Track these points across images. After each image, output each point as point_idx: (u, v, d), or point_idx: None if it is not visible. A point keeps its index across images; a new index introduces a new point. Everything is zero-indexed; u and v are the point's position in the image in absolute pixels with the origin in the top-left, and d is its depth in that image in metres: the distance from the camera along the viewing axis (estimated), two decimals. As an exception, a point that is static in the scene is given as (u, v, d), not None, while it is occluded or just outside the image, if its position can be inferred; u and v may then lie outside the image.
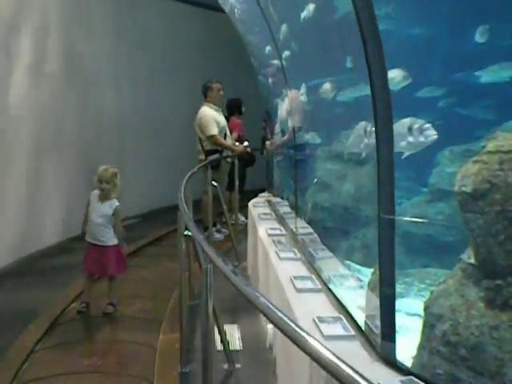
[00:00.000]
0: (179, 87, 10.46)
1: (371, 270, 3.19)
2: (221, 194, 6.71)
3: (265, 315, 1.73)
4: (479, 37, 2.78)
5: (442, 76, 3.07)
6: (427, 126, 2.49)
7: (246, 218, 7.02)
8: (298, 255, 3.97)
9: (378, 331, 2.44)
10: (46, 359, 4.16)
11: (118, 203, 4.93)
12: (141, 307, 5.19)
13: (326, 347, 1.40)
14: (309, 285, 3.26)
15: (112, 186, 4.88)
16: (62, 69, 7.68)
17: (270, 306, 1.72)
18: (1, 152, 6.34)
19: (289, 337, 1.55)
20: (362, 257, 3.38)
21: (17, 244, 6.71)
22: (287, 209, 5.78)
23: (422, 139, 2.48)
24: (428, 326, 2.33)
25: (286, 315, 1.63)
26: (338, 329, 2.59)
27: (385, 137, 2.22)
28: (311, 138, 4.10)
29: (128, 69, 9.36)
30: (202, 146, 7.43)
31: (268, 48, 5.58)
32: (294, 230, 4.70)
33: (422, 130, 2.46)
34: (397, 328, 2.40)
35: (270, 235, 4.70)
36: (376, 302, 2.70)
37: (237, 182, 7.68)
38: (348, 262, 3.50)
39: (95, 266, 4.93)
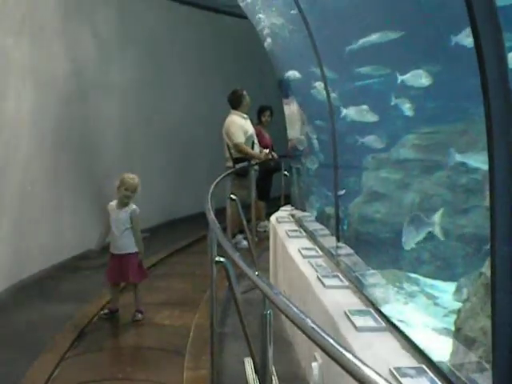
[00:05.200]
0: (191, 92, 10.00)
1: (447, 284, 2.80)
2: (239, 206, 6.27)
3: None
4: None
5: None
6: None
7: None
8: (345, 282, 3.45)
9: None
10: (76, 366, 4.15)
11: (134, 206, 5.01)
12: (169, 314, 5.18)
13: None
14: (370, 322, 2.74)
15: (134, 194, 4.98)
16: (64, 73, 7.14)
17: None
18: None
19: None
20: (433, 269, 2.92)
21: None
22: (317, 225, 5.26)
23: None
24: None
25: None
26: (425, 385, 2.07)
27: (503, 147, 1.71)
28: (357, 142, 3.59)
29: (133, 73, 8.83)
30: (231, 153, 7.50)
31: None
32: (332, 250, 4.18)
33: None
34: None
35: (304, 257, 4.18)
36: (465, 349, 2.20)
37: (253, 193, 7.29)
38: (415, 275, 3.03)
39: (117, 274, 5.03)
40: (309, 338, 1.53)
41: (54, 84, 6.94)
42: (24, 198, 6.22)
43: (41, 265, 6.50)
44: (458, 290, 2.81)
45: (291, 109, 6.26)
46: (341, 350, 1.39)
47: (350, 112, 3.24)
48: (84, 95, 7.63)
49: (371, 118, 3.07)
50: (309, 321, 1.55)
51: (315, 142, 5.04)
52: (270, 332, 1.94)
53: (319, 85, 4.00)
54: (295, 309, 1.62)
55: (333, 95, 3.91)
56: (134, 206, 5.00)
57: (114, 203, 5.02)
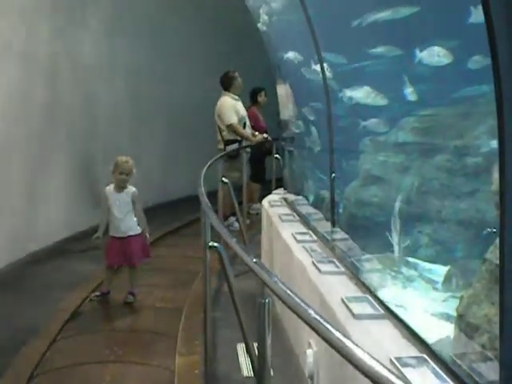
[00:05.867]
0: (181, 75, 9.87)
1: (446, 268, 2.73)
2: (231, 188, 6.26)
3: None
4: None
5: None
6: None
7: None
8: (341, 267, 3.38)
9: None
10: (67, 348, 4.11)
11: (134, 189, 4.97)
12: (161, 297, 5.15)
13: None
14: (368, 309, 2.67)
15: (130, 176, 4.93)
16: (52, 56, 6.96)
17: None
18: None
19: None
20: (433, 254, 2.86)
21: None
22: (310, 209, 5.19)
23: None
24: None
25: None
26: (428, 376, 2.01)
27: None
28: (354, 124, 3.50)
29: (124, 56, 8.68)
30: (222, 135, 7.49)
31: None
32: (327, 235, 4.10)
33: None
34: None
35: (299, 241, 4.11)
36: (467, 337, 2.14)
37: (244, 174, 7.37)
38: (413, 259, 2.97)
39: (117, 256, 4.98)
40: (311, 328, 1.46)
41: (44, 67, 6.78)
42: (10, 182, 6.11)
43: (31, 248, 6.39)
44: (446, 279, 2.74)
45: (285, 90, 6.17)
46: (346, 342, 1.33)
47: (352, 94, 3.14)
48: (79, 79, 7.51)
49: (379, 100, 2.96)
50: (311, 311, 1.48)
51: (311, 124, 4.94)
52: (268, 321, 1.86)
53: (318, 66, 3.90)
54: (296, 298, 1.54)
55: (330, 76, 3.82)
56: (133, 188, 4.97)
57: (110, 187, 4.96)
